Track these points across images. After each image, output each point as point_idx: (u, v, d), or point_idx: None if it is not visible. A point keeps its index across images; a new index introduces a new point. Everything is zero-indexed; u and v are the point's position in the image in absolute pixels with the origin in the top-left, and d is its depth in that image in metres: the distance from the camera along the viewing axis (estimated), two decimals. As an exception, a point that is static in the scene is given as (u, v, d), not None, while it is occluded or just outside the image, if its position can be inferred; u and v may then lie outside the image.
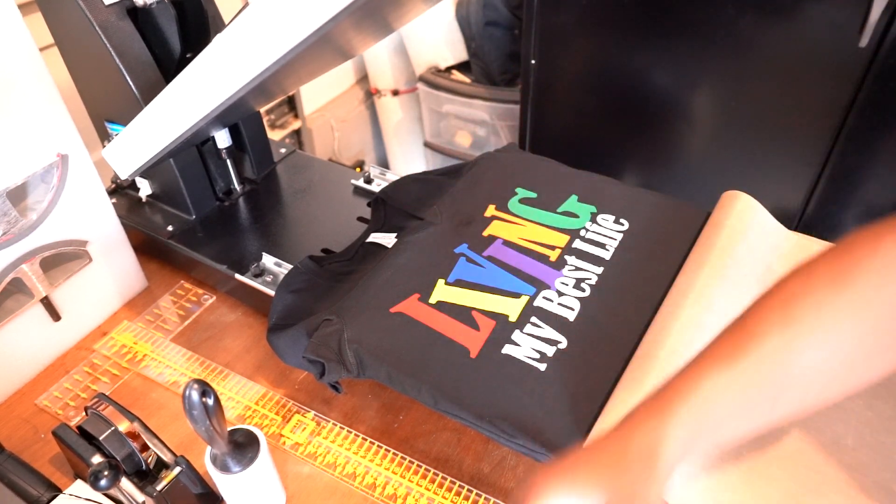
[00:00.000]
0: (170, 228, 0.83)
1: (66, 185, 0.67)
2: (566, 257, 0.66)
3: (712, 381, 0.36)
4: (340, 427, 0.64)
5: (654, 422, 0.36)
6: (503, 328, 0.59)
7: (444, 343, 0.58)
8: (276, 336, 0.63)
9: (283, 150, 0.97)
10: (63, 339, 0.73)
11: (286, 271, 0.72)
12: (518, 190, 0.75)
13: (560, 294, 0.62)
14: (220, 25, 0.79)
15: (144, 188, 0.85)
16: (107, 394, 0.58)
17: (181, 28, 0.76)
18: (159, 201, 0.87)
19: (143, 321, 0.77)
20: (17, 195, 0.65)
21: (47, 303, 0.69)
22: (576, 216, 0.72)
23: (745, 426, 0.37)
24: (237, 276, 0.74)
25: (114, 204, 0.75)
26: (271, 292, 0.69)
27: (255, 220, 0.85)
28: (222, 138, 0.81)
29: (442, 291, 0.62)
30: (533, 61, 1.33)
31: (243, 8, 0.52)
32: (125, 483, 0.51)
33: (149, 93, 0.70)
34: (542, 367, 0.55)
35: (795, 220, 1.24)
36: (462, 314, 0.60)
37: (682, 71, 1.20)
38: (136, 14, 0.72)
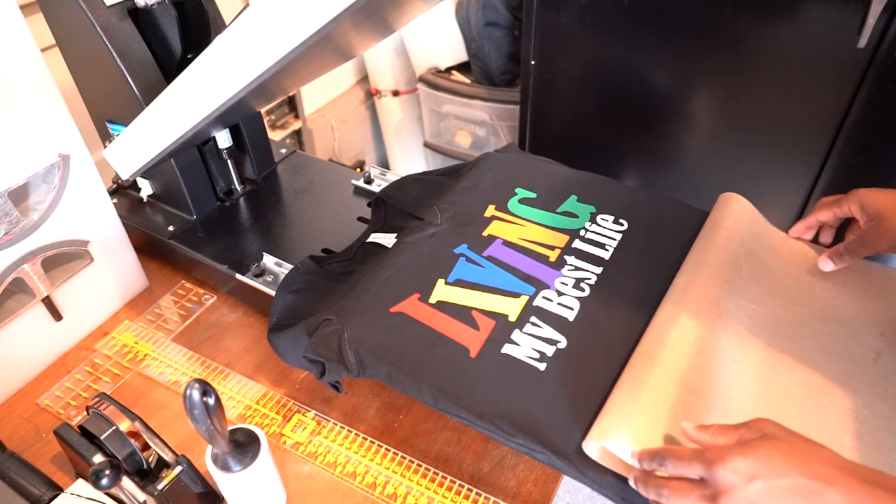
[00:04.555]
0: (171, 228, 0.83)
1: (68, 186, 0.67)
2: (566, 257, 0.67)
3: None
4: (341, 426, 0.65)
5: None
6: (503, 328, 0.59)
7: (443, 343, 0.58)
8: (277, 336, 0.63)
9: (283, 151, 0.97)
10: (64, 339, 0.73)
11: (287, 271, 0.72)
12: (518, 190, 0.75)
13: (559, 294, 0.63)
14: (221, 26, 0.80)
15: (145, 188, 0.86)
16: (108, 393, 0.58)
17: (182, 29, 0.76)
18: (160, 201, 0.87)
19: (143, 321, 0.77)
20: (19, 195, 0.65)
21: (49, 303, 0.69)
22: (575, 216, 0.72)
23: None
24: (238, 276, 0.75)
25: (115, 204, 0.75)
26: (272, 292, 0.69)
27: (256, 220, 0.85)
28: (223, 138, 0.82)
29: (442, 291, 0.63)
30: (533, 62, 1.33)
31: (244, 9, 0.52)
32: (126, 482, 0.51)
33: (150, 93, 0.70)
34: (542, 366, 0.56)
35: (795, 221, 1.24)
36: (462, 314, 0.60)
37: (681, 71, 1.21)
38: (137, 15, 0.72)
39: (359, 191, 0.90)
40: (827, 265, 0.62)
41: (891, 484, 0.37)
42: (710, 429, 0.44)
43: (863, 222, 0.60)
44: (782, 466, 0.39)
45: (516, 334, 0.58)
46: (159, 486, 0.53)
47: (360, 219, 0.84)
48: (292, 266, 0.70)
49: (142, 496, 0.53)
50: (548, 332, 0.59)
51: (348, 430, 0.64)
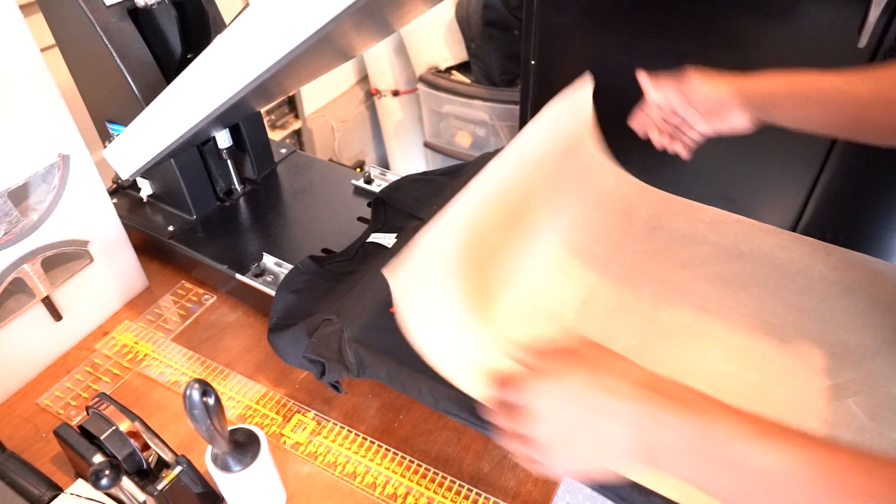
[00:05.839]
0: (170, 228, 0.83)
1: (68, 186, 0.67)
2: (566, 257, 0.67)
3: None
4: (341, 427, 0.65)
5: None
6: (503, 328, 0.59)
7: (444, 343, 0.58)
8: (277, 336, 0.63)
9: (283, 151, 0.97)
10: (64, 339, 0.73)
11: (286, 271, 0.72)
12: (518, 190, 0.75)
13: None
14: (221, 26, 0.80)
15: (145, 188, 0.86)
16: (108, 393, 0.58)
17: (182, 29, 0.76)
18: (160, 201, 0.87)
19: (143, 321, 0.77)
20: (19, 195, 0.65)
21: (48, 303, 0.69)
22: (575, 216, 0.72)
23: None
24: (238, 276, 0.75)
25: (115, 204, 0.75)
26: (272, 292, 0.69)
27: (256, 220, 0.85)
28: (223, 138, 0.82)
29: (442, 291, 0.62)
30: (533, 62, 1.33)
31: (244, 9, 0.52)
32: (126, 482, 0.51)
33: (150, 93, 0.70)
34: (542, 366, 0.55)
35: (794, 221, 1.24)
36: (462, 314, 0.60)
37: (681, 71, 1.20)
38: (136, 15, 0.72)
39: (359, 191, 0.90)
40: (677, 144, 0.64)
41: (683, 393, 0.37)
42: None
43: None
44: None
45: (516, 334, 0.58)
46: (159, 486, 0.53)
47: (360, 219, 0.84)
48: (292, 266, 0.70)
49: (142, 496, 0.53)
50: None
51: (348, 430, 0.64)
